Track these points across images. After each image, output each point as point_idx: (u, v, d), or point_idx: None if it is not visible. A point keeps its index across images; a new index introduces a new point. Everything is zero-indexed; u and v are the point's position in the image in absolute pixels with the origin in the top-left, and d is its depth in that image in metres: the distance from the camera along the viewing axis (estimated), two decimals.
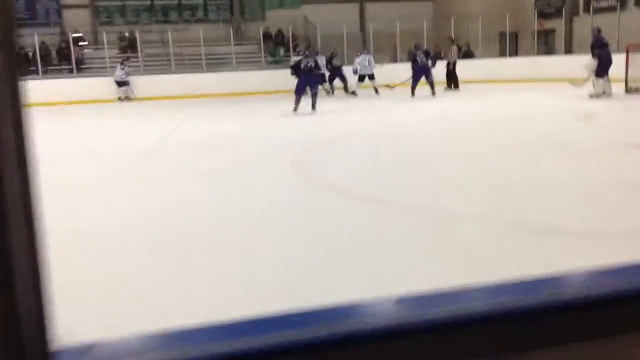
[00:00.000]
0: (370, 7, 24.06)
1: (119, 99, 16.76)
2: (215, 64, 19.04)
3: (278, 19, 22.13)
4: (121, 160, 6.83)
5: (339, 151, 7.04)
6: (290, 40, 20.12)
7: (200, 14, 22.32)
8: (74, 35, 19.05)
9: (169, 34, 18.42)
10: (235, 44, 19.41)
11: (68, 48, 18.51)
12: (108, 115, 13.64)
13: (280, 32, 21.36)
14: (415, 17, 20.32)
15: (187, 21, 21.81)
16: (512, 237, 3.45)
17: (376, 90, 15.06)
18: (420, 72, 13.73)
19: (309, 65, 11.35)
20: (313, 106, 11.26)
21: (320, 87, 12.94)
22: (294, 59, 15.22)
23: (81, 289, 2.76)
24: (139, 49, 18.88)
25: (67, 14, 21.21)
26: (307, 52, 12.59)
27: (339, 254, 3.22)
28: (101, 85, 17.01)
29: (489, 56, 18.89)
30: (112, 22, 21.46)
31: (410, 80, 13.90)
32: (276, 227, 3.82)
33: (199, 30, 18.80)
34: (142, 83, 17.33)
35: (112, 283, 2.90)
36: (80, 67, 18.67)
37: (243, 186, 5.08)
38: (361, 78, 15.46)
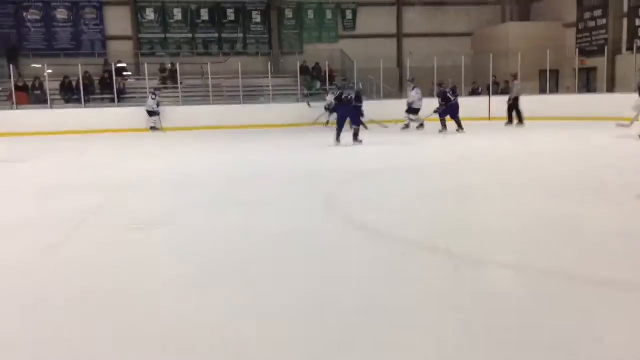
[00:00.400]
0: (408, 42, 24.14)
1: (151, 128, 17.03)
2: (253, 95, 19.25)
3: (316, 52, 22.36)
4: (140, 189, 6.81)
5: (372, 186, 6.85)
6: (327, 73, 20.23)
7: (239, 47, 22.74)
8: (117, 65, 19.60)
9: (209, 66, 18.72)
10: (272, 77, 19.60)
11: (111, 78, 18.98)
12: (138, 144, 13.82)
13: (317, 66, 21.53)
14: (454, 52, 20.23)
15: (226, 54, 22.22)
16: (543, 283, 3.20)
17: (422, 125, 15.02)
18: (452, 109, 13.67)
19: (349, 97, 11.26)
20: (355, 137, 11.20)
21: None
22: (330, 96, 15.34)
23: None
24: (179, 80, 19.22)
25: (112, 45, 21.88)
26: (350, 84, 12.74)
27: (360, 302, 3.03)
28: (138, 114, 17.34)
29: (528, 93, 18.59)
30: (154, 53, 22.01)
31: (436, 116, 13.83)
32: (298, 266, 3.66)
33: (238, 63, 19.07)
34: (177, 113, 17.65)
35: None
36: (121, 97, 19.06)
37: (270, 218, 4.95)
38: (413, 111, 15.25)
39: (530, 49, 19.07)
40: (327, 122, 15.73)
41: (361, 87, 14.31)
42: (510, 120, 15.54)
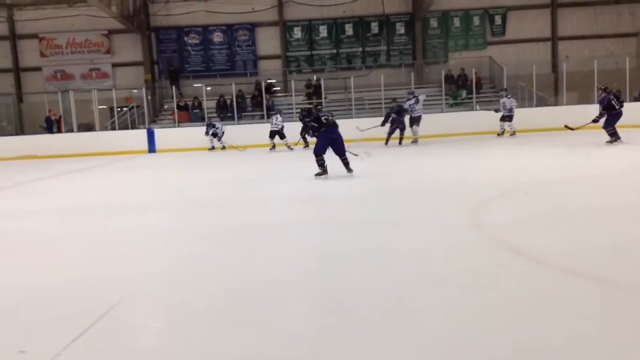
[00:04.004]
0: (563, 46, 22.46)
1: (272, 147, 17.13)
2: None
3: (461, 60, 21.66)
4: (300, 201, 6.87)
5: (522, 202, 6.26)
6: (474, 81, 19.46)
7: (382, 59, 22.71)
8: (267, 82, 20.60)
9: (352, 79, 18.90)
10: (416, 87, 19.27)
11: (261, 95, 19.94)
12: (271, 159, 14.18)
13: (462, 74, 20.80)
14: (616, 54, 18.48)
15: (369, 67, 22.32)
16: None
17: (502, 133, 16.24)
18: (615, 117, 12.18)
19: (329, 118, 9.02)
20: (348, 166, 9.04)
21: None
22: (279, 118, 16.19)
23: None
24: (323, 95, 19.64)
25: (262, 64, 22.99)
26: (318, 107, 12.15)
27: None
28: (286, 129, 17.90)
29: None
30: (300, 70, 22.76)
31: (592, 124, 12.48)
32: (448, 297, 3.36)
33: (380, 75, 19.04)
34: None
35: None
36: (270, 114, 19.89)
37: (411, 238, 4.68)
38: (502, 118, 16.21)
39: None
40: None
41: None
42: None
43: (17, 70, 23.14)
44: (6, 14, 22.63)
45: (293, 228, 5.32)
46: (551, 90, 20.85)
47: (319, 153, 8.78)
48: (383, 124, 14.97)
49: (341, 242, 4.63)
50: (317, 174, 8.75)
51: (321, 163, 8.76)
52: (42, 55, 22.96)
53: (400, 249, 4.31)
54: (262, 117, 19.71)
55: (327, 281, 3.60)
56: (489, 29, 22.75)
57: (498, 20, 22.75)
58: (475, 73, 19.76)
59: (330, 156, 8.91)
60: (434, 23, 22.78)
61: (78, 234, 5.57)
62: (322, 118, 8.85)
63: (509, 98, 16.22)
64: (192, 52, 22.85)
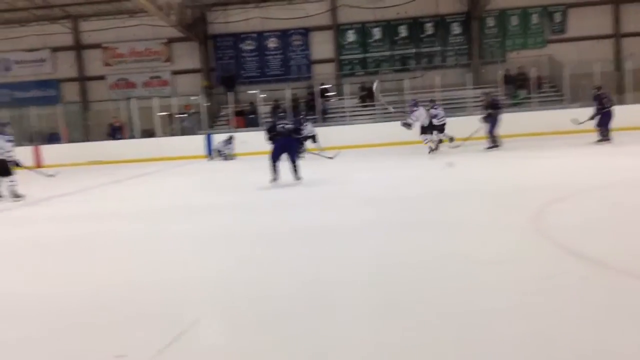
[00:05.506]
0: (628, 42, 21.56)
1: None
2: (451, 108, 18.76)
3: (520, 60, 21.16)
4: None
5: (590, 205, 6.07)
6: (534, 81, 18.95)
7: (438, 60, 22.44)
8: (321, 87, 20.73)
9: (406, 81, 18.77)
10: (472, 88, 18.94)
11: (314, 100, 20.09)
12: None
13: (521, 73, 20.29)
14: None
15: (424, 68, 22.09)
16: None
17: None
18: (609, 116, 12.68)
19: (285, 127, 9.59)
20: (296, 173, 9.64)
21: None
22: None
23: None
24: (376, 98, 19.58)
25: (316, 68, 23.14)
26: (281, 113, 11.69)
27: None
28: (340, 133, 17.96)
29: None
30: (353, 73, 22.77)
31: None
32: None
33: (435, 77, 18.81)
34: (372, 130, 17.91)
35: None
36: (324, 117, 20.04)
37: (471, 243, 4.62)
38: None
39: None
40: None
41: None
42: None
43: (83, 79, 24.18)
44: (71, 25, 23.70)
45: (350, 230, 5.35)
46: (615, 89, 20.06)
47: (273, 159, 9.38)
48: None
49: (399, 244, 4.64)
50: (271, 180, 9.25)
51: (273, 169, 9.34)
52: (106, 64, 23.89)
53: (460, 252, 4.28)
54: (314, 120, 19.85)
55: (386, 284, 3.61)
56: (549, 26, 22.13)
57: (558, 17, 22.10)
58: (537, 73, 19.25)
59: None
60: (490, 22, 22.35)
61: (146, 237, 5.79)
62: (278, 127, 9.43)
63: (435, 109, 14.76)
64: (248, 59, 23.26)
